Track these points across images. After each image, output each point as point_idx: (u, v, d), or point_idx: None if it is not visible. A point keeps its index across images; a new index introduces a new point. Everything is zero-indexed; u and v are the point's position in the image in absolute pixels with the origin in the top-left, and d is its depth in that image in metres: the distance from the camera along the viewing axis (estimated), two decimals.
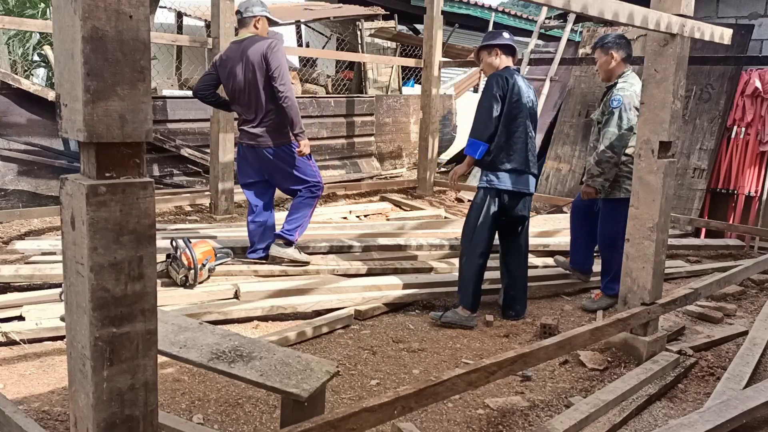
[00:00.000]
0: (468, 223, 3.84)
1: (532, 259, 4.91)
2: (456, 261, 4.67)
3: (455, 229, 5.45)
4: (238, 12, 4.28)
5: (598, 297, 4.13)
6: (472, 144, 3.75)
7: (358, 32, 9.65)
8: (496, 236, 3.89)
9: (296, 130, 4.14)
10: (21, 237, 4.91)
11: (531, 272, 4.51)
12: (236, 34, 4.46)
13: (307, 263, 4.29)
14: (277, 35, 4.23)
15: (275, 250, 4.24)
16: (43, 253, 4.31)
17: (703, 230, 5.97)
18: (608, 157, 3.84)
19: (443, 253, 4.87)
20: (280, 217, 4.63)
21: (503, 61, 3.85)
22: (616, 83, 3.95)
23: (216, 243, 4.31)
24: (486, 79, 3.88)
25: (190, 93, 7.48)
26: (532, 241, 5.14)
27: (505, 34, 3.92)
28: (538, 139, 7.32)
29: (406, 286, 4.09)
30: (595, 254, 4.44)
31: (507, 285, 3.94)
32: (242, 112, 4.23)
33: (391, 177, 8.14)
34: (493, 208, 3.75)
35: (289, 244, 4.26)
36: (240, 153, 4.34)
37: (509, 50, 3.86)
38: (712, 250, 5.57)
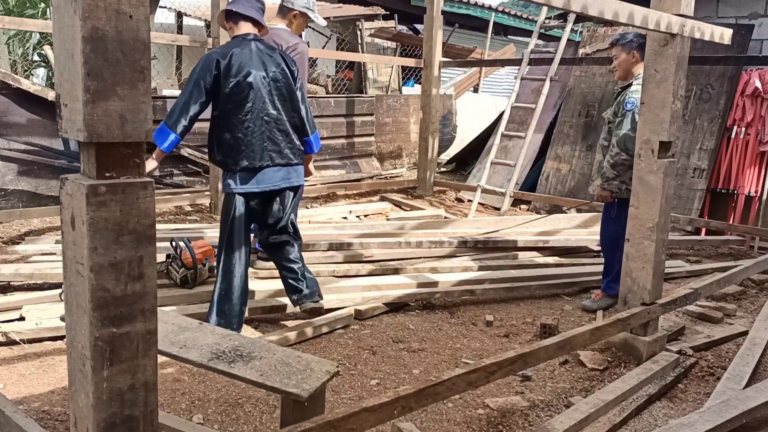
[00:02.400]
0: (221, 236, 3.35)
1: (533, 258, 4.91)
2: (456, 261, 4.68)
3: (455, 229, 5.46)
4: None
5: (598, 297, 4.13)
6: (160, 130, 3.08)
7: (358, 32, 9.64)
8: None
9: None
10: (21, 237, 4.91)
11: (531, 272, 4.52)
12: None
13: None
14: (302, 42, 4.01)
15: (259, 264, 4.20)
16: (43, 254, 4.31)
17: (703, 230, 5.97)
18: (623, 160, 3.81)
19: (444, 251, 4.87)
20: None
21: (235, 30, 3.28)
22: (631, 83, 3.90)
23: None
24: None
25: None
26: (532, 239, 5.15)
27: None
28: (538, 139, 7.32)
29: (406, 286, 4.09)
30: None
31: (288, 275, 3.49)
32: None
33: (391, 177, 8.14)
34: (241, 212, 3.30)
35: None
36: None
37: (238, 16, 3.27)
38: (711, 246, 5.56)
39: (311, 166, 3.70)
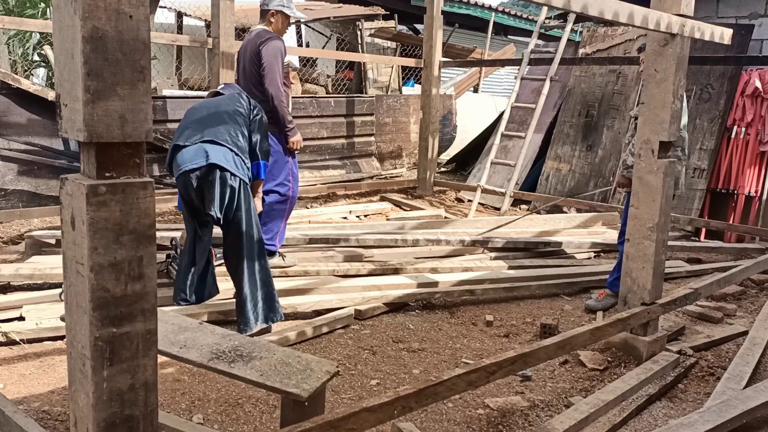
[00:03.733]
0: None
1: (533, 260, 4.91)
2: (457, 261, 4.68)
3: (455, 229, 5.46)
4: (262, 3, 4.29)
5: (602, 296, 4.13)
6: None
7: (358, 32, 9.64)
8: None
9: (285, 128, 4.13)
10: (21, 237, 4.91)
11: (532, 272, 4.52)
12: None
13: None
14: (278, 38, 4.17)
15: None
16: (43, 250, 4.32)
17: (703, 230, 5.97)
18: None
19: (445, 250, 4.87)
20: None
21: None
22: None
23: None
24: None
25: (190, 93, 7.49)
26: (532, 240, 5.14)
27: None
28: (538, 138, 7.32)
29: (406, 286, 4.09)
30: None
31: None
32: None
33: (391, 177, 8.14)
34: (180, 195, 3.53)
35: (271, 254, 4.16)
36: None
37: None
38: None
39: (258, 200, 3.64)
